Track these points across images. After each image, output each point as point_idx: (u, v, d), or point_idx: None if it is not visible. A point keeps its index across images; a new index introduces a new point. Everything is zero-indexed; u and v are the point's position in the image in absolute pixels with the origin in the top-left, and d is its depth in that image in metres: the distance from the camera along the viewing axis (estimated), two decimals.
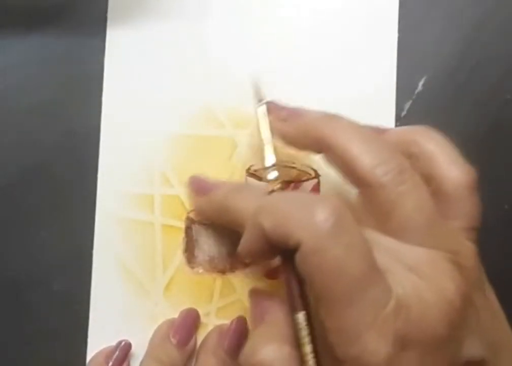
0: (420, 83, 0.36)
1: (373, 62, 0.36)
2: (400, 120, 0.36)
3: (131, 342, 0.35)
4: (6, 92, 0.37)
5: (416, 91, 0.36)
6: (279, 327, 0.27)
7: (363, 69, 0.36)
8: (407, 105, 0.36)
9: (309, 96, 0.36)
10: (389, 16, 0.36)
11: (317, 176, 0.36)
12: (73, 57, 0.37)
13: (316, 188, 0.36)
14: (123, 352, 0.35)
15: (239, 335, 0.34)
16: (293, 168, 0.36)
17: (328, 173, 0.35)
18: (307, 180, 0.36)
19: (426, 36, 0.36)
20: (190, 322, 0.35)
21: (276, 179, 0.31)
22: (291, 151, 0.35)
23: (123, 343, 0.35)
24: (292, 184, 0.36)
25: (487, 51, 0.36)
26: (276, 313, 0.29)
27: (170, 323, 0.35)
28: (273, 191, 0.30)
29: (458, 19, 0.36)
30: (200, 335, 0.35)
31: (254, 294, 0.34)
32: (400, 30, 0.36)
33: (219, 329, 0.35)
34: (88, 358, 0.35)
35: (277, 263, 0.35)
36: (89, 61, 0.37)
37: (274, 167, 0.31)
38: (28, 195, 0.37)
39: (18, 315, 0.36)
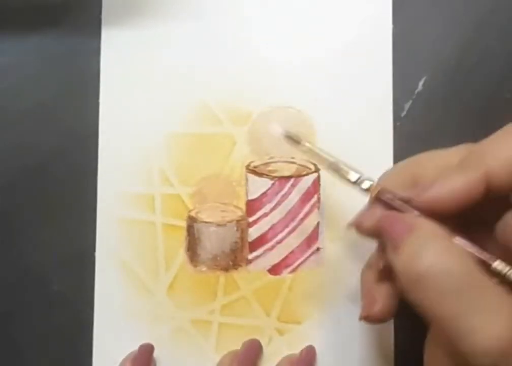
0: (420, 83, 0.36)
1: (370, 62, 0.36)
2: (400, 120, 0.36)
3: (136, 342, 0.35)
4: (6, 92, 0.37)
5: (416, 91, 0.36)
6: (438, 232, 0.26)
7: (361, 70, 0.36)
8: (407, 105, 0.36)
9: (308, 97, 0.36)
10: (383, 17, 0.37)
11: (317, 170, 0.36)
12: (71, 58, 0.37)
13: (316, 183, 0.36)
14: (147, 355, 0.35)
15: (309, 363, 0.35)
16: (293, 163, 0.36)
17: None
18: (307, 174, 0.36)
19: (426, 36, 0.36)
20: (253, 352, 0.35)
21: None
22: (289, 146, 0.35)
23: (145, 346, 0.35)
24: (292, 179, 0.36)
25: (487, 51, 0.36)
26: (430, 224, 0.26)
27: (233, 354, 0.35)
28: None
29: (458, 19, 0.36)
30: (203, 333, 0.36)
31: (387, 214, 0.28)
32: (400, 30, 0.36)
33: (288, 359, 0.35)
34: (94, 358, 0.36)
35: (279, 259, 0.36)
36: (86, 62, 0.37)
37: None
38: (28, 195, 0.37)
39: (18, 315, 0.36)
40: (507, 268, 0.26)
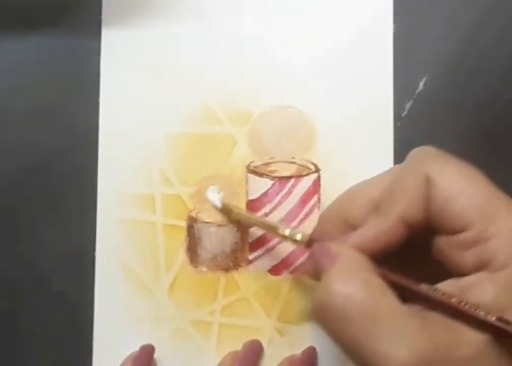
0: (421, 83, 0.36)
1: (370, 62, 0.36)
2: (401, 119, 0.36)
3: (137, 343, 0.35)
4: (6, 92, 0.37)
5: (417, 91, 0.36)
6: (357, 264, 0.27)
7: (361, 70, 0.36)
8: (408, 105, 0.36)
9: (308, 97, 0.36)
10: (383, 17, 0.37)
11: (317, 170, 0.36)
12: (71, 58, 0.37)
13: (316, 183, 0.36)
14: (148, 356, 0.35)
15: (310, 364, 0.35)
16: (293, 163, 0.36)
17: (328, 167, 0.35)
18: (307, 174, 0.36)
19: (426, 36, 0.36)
20: (254, 353, 0.35)
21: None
22: (290, 148, 0.35)
23: (146, 347, 0.35)
24: (292, 179, 0.36)
25: (487, 51, 0.36)
26: (347, 251, 0.27)
27: (234, 354, 0.35)
28: None
29: (458, 19, 0.36)
30: (203, 333, 0.36)
31: (318, 243, 0.30)
32: (401, 30, 0.36)
33: (289, 360, 0.35)
34: (94, 358, 0.36)
35: (280, 259, 0.36)
36: (86, 62, 0.37)
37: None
38: (28, 195, 0.37)
39: (18, 315, 0.36)
40: (432, 288, 0.26)
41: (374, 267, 0.27)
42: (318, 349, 0.35)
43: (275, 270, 0.36)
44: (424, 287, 0.26)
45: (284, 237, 0.31)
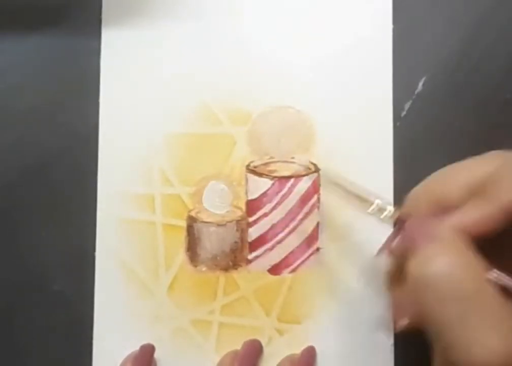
0: (420, 83, 0.36)
1: (370, 62, 0.36)
2: (400, 120, 0.36)
3: (137, 342, 0.35)
4: (6, 92, 0.37)
5: (416, 91, 0.36)
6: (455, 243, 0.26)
7: (361, 70, 0.36)
8: (407, 105, 0.36)
9: (308, 97, 0.36)
10: (383, 17, 0.37)
11: (317, 170, 0.36)
12: (71, 58, 0.37)
13: (316, 183, 0.36)
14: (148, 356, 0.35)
15: (310, 363, 0.35)
16: (293, 162, 0.36)
17: (328, 167, 0.35)
18: (307, 174, 0.36)
19: (426, 36, 0.36)
20: (253, 352, 0.35)
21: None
22: (289, 148, 0.35)
23: (146, 346, 0.35)
24: (292, 179, 0.36)
25: (487, 51, 0.36)
26: (447, 230, 0.27)
27: (234, 354, 0.35)
28: None
29: (458, 19, 0.36)
30: (203, 333, 0.36)
31: (413, 219, 0.29)
32: (400, 30, 0.36)
33: (289, 359, 0.35)
34: (94, 358, 0.36)
35: (279, 259, 0.36)
36: (86, 62, 0.37)
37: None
38: (28, 195, 0.37)
39: (19, 315, 0.36)
40: None
41: (475, 252, 0.26)
42: (318, 349, 0.35)
43: (274, 270, 0.36)
44: None
45: (372, 209, 0.31)
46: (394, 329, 0.31)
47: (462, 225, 0.27)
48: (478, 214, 0.27)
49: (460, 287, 0.24)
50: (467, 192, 0.28)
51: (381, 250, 0.31)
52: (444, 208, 0.28)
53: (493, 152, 0.29)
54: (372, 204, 0.31)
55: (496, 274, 0.26)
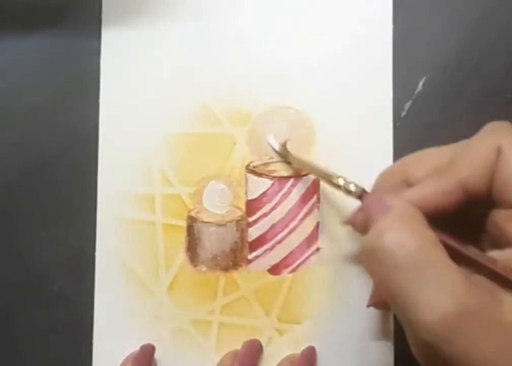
0: (420, 83, 0.36)
1: (370, 62, 0.36)
2: (400, 120, 0.36)
3: (136, 342, 0.35)
4: (6, 92, 0.37)
5: (416, 91, 0.36)
6: (413, 218, 0.26)
7: (361, 70, 0.36)
8: (407, 105, 0.36)
9: (308, 97, 0.36)
10: (383, 17, 0.37)
11: None
12: (71, 58, 0.37)
13: (316, 183, 0.36)
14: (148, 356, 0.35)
15: (310, 363, 0.35)
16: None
17: (327, 166, 0.35)
18: (307, 174, 0.36)
19: (426, 36, 0.36)
20: (254, 352, 0.35)
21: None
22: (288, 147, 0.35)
23: (147, 346, 0.35)
24: (291, 179, 0.36)
25: (487, 51, 0.36)
26: (401, 203, 0.27)
27: (234, 354, 0.35)
28: None
29: (458, 19, 0.36)
30: (203, 333, 0.36)
31: (371, 193, 0.31)
32: (400, 30, 0.36)
33: (289, 359, 0.35)
34: (94, 358, 0.36)
35: (279, 259, 0.36)
36: (86, 62, 0.37)
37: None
38: (28, 195, 0.37)
39: (18, 315, 0.36)
40: (478, 252, 0.26)
41: (426, 222, 0.27)
42: (318, 349, 0.35)
43: (274, 270, 0.36)
44: (471, 250, 0.26)
45: (338, 187, 0.31)
46: (368, 303, 0.33)
47: (417, 199, 0.27)
48: (431, 189, 0.27)
49: (408, 254, 0.25)
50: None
51: (345, 222, 0.32)
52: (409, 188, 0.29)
53: (454, 144, 0.30)
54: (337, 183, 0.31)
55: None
